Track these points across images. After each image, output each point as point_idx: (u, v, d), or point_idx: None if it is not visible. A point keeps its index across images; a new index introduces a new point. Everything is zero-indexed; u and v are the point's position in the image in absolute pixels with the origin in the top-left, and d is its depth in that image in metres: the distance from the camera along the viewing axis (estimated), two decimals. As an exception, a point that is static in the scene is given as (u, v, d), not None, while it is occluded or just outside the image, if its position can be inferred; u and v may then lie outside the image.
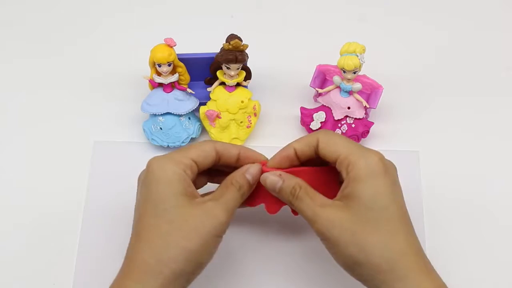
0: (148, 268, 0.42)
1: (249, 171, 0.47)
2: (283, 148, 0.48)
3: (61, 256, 0.55)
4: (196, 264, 0.43)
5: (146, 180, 0.45)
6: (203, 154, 0.47)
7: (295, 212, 0.48)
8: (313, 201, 0.44)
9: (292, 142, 0.48)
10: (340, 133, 0.59)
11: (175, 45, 0.56)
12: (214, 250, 0.44)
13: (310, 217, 0.44)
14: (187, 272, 0.42)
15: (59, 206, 0.57)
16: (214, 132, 0.59)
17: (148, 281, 0.41)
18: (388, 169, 0.44)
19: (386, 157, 0.46)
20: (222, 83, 0.59)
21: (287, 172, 0.47)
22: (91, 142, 0.61)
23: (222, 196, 0.45)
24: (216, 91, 0.59)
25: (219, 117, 0.59)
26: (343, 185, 0.44)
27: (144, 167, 0.50)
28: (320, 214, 0.44)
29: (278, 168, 0.47)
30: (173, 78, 0.57)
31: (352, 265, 0.43)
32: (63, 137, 0.61)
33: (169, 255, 0.42)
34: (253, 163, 0.48)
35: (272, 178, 0.46)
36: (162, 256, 0.42)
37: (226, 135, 0.60)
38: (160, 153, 0.60)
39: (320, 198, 0.45)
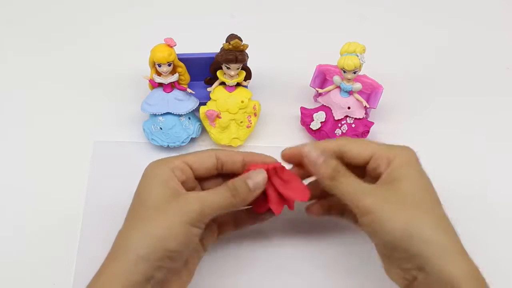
0: (118, 251, 0.44)
1: (251, 177, 0.47)
2: (315, 144, 0.48)
3: (61, 256, 0.55)
4: (163, 250, 0.43)
5: (141, 177, 0.47)
6: (200, 159, 0.48)
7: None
8: (356, 181, 0.45)
9: (320, 142, 0.49)
10: (340, 133, 0.59)
11: (175, 45, 0.56)
12: (184, 239, 0.43)
13: (353, 194, 0.45)
14: (152, 259, 0.42)
15: (59, 206, 0.57)
16: (214, 132, 0.59)
17: (115, 264, 0.43)
18: (415, 161, 0.47)
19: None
20: (222, 83, 0.59)
21: None
22: (91, 142, 0.61)
23: (208, 192, 0.46)
24: (216, 91, 0.59)
25: (219, 117, 0.59)
26: (383, 176, 0.46)
27: (144, 167, 0.50)
28: (366, 191, 0.44)
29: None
30: (173, 78, 0.57)
31: (398, 241, 0.42)
32: (63, 136, 0.61)
33: (135, 240, 0.43)
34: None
35: (313, 153, 0.47)
36: (129, 241, 0.43)
37: (226, 135, 0.60)
38: (160, 153, 0.60)
39: (359, 183, 0.46)
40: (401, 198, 0.43)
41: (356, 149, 0.47)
